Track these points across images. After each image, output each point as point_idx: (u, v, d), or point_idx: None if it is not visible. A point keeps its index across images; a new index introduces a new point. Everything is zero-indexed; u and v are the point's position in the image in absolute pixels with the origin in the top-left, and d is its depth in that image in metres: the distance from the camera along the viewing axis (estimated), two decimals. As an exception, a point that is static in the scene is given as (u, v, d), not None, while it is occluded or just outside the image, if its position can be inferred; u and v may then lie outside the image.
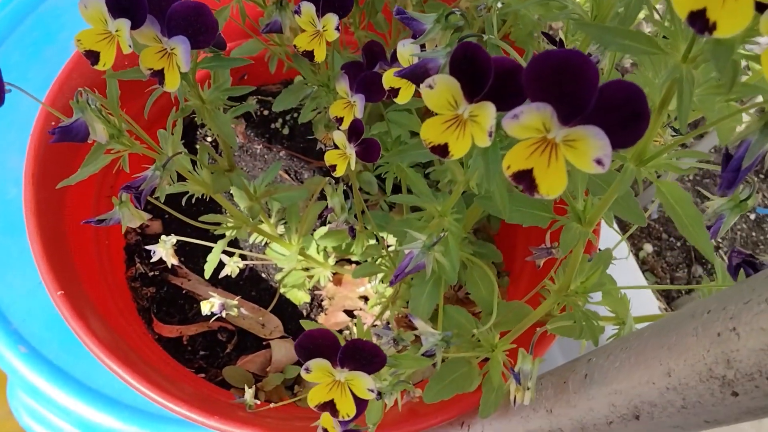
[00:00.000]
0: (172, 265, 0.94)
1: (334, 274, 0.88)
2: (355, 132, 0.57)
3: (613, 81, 0.29)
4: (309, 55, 0.53)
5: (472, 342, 0.64)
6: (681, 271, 1.36)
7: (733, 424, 0.40)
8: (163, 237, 0.75)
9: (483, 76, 0.32)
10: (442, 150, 0.34)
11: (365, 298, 0.91)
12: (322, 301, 0.94)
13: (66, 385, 0.92)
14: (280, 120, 1.06)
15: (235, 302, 0.72)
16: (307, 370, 0.38)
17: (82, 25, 0.86)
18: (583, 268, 0.60)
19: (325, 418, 0.44)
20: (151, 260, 0.85)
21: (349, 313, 0.92)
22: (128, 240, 0.94)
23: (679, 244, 1.53)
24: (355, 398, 0.39)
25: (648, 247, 1.53)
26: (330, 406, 0.40)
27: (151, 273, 0.92)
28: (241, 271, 0.89)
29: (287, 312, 0.93)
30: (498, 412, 0.64)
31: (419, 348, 0.55)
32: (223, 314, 0.70)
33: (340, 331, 0.93)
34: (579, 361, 0.53)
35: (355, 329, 0.93)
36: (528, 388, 0.50)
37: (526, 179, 0.31)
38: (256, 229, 0.66)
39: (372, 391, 0.38)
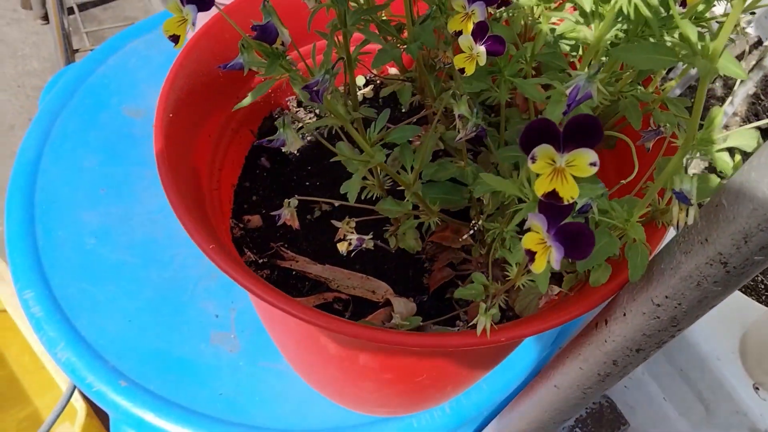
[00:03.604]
0: (279, 250, 0.99)
1: (436, 226, 0.93)
2: (481, 30, 0.64)
3: None
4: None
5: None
6: None
7: None
8: (286, 200, 0.80)
9: None
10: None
11: (467, 251, 0.96)
12: (424, 263, 0.99)
13: (171, 413, 0.96)
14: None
15: (370, 236, 0.77)
16: (533, 158, 0.44)
17: (131, 89, 0.92)
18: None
19: (527, 238, 0.49)
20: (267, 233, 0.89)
21: (453, 266, 0.97)
22: (234, 234, 0.99)
23: None
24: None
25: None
26: (553, 196, 0.45)
27: (261, 260, 0.97)
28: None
29: (391, 279, 0.98)
30: (641, 283, 0.68)
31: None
32: (363, 247, 0.75)
33: (446, 285, 0.97)
34: (725, 184, 0.57)
35: (460, 283, 0.98)
36: (692, 204, 0.55)
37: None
38: (382, 165, 0.72)
39: (594, 164, 0.43)
